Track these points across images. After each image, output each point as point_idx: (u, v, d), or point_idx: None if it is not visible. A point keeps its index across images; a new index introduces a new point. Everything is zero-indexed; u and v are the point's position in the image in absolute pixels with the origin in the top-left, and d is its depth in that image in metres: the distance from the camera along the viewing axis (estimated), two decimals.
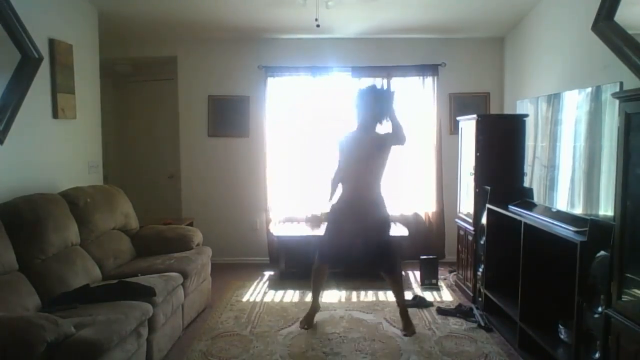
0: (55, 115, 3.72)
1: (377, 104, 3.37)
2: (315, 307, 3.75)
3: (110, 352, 2.34)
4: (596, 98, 2.84)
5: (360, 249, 3.41)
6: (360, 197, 3.43)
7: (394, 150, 3.47)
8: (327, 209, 3.66)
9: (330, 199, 3.62)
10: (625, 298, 2.15)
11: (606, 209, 2.65)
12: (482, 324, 3.62)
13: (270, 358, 3.16)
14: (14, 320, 2.21)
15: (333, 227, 3.54)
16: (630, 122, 2.12)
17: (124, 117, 5.98)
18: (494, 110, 5.36)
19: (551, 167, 3.34)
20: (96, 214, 3.57)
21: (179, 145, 5.52)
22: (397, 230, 5.01)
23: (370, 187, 3.44)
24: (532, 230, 3.07)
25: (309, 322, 3.65)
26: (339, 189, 3.57)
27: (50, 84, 3.67)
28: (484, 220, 3.92)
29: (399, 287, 3.63)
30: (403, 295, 3.65)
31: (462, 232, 4.53)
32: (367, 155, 3.39)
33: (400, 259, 3.64)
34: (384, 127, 3.47)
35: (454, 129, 5.14)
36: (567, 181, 3.14)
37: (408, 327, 3.53)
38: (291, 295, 4.36)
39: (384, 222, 3.53)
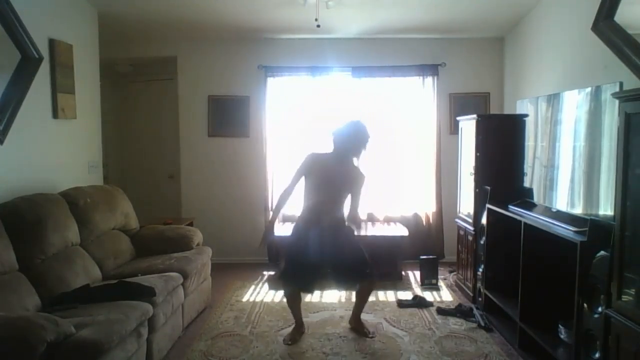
0: (55, 115, 3.72)
1: (355, 141, 3.32)
2: (299, 325, 3.55)
3: (110, 352, 2.34)
4: (596, 98, 2.84)
5: (332, 265, 3.37)
6: (323, 214, 3.32)
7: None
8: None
9: (274, 217, 3.48)
10: (625, 298, 2.15)
11: (606, 209, 2.65)
12: (482, 324, 3.62)
13: (270, 358, 3.16)
14: (14, 320, 2.21)
15: (296, 247, 3.38)
16: (630, 122, 2.12)
17: (124, 117, 5.99)
18: (494, 110, 5.36)
19: (551, 167, 3.33)
20: (96, 214, 3.57)
21: (179, 145, 5.52)
22: (397, 230, 5.03)
23: (335, 208, 3.37)
24: (532, 230, 3.07)
25: (293, 338, 3.44)
26: (304, 204, 3.41)
27: (50, 84, 3.67)
28: (484, 220, 3.92)
29: (367, 296, 3.58)
30: (363, 307, 3.60)
31: (462, 232, 4.53)
32: (338, 182, 3.32)
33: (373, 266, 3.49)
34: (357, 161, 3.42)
35: (454, 129, 5.14)
36: (567, 181, 3.14)
37: (365, 332, 3.51)
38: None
39: (349, 231, 3.42)
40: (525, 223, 3.14)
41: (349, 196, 3.38)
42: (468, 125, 4.32)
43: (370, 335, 3.47)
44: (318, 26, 4.16)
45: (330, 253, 3.28)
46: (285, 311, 3.97)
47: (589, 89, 2.92)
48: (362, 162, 3.42)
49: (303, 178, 3.36)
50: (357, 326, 3.57)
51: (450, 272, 4.96)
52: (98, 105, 4.55)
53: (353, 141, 3.31)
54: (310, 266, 3.29)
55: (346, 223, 3.41)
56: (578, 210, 2.95)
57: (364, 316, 3.83)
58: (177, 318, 3.38)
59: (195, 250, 3.98)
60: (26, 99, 3.30)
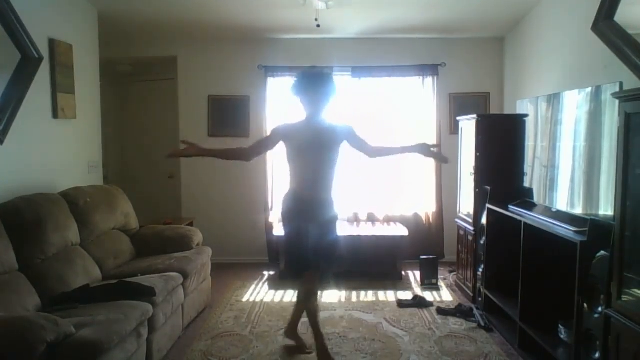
0: (55, 115, 3.72)
1: (316, 90, 2.99)
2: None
3: (110, 352, 2.34)
4: (596, 98, 2.84)
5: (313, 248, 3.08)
6: (312, 195, 3.04)
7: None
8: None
9: (208, 150, 3.27)
10: (625, 298, 2.15)
11: (606, 209, 2.65)
12: (482, 324, 3.62)
13: (270, 358, 3.16)
14: (14, 320, 2.21)
15: (292, 234, 3.13)
16: (630, 122, 2.12)
17: (124, 118, 5.99)
18: (494, 110, 5.36)
19: (551, 167, 3.33)
20: (96, 214, 3.57)
21: (179, 145, 5.51)
22: (397, 230, 5.03)
23: (323, 183, 3.07)
24: (532, 230, 3.07)
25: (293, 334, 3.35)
26: (290, 179, 3.14)
27: (50, 84, 3.67)
28: (484, 220, 3.92)
29: (314, 293, 3.21)
30: (314, 306, 3.21)
31: (462, 232, 4.53)
32: (322, 147, 3.00)
33: (333, 270, 3.26)
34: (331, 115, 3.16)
35: (454, 129, 5.14)
36: (567, 181, 3.14)
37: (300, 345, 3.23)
38: (291, 295, 4.36)
39: (331, 224, 3.16)
40: (525, 223, 3.14)
41: (337, 163, 3.08)
42: (468, 125, 4.32)
43: (307, 351, 3.20)
44: (318, 26, 4.16)
45: (313, 233, 3.03)
46: (285, 311, 3.97)
47: (589, 89, 2.92)
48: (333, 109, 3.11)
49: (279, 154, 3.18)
50: (291, 335, 3.30)
51: (450, 272, 4.96)
52: (98, 105, 4.54)
53: (318, 95, 2.98)
54: (303, 249, 3.06)
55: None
56: (578, 210, 2.95)
57: (363, 316, 3.83)
58: (177, 318, 3.38)
59: (195, 250, 3.98)
60: (26, 99, 3.30)
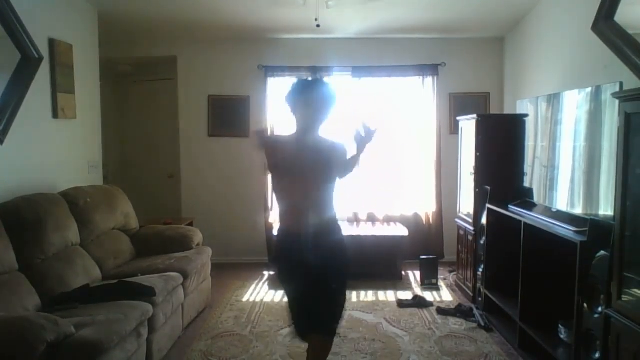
0: (55, 115, 3.72)
1: (314, 101, 2.43)
2: None
3: (110, 352, 2.34)
4: (596, 98, 2.84)
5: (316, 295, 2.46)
6: (309, 225, 2.41)
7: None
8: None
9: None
10: (625, 298, 2.15)
11: (606, 209, 2.65)
12: (482, 324, 3.62)
13: (270, 358, 3.16)
14: (14, 320, 2.21)
15: (288, 283, 2.57)
16: (630, 122, 2.12)
17: (124, 117, 5.99)
18: (494, 110, 5.36)
19: (551, 167, 3.33)
20: (96, 214, 3.57)
21: (179, 145, 5.52)
22: (397, 230, 5.03)
23: (321, 208, 2.46)
24: (532, 230, 3.07)
25: None
26: (279, 214, 2.59)
27: (50, 84, 3.67)
28: (484, 220, 3.92)
29: (321, 356, 2.64)
30: None
31: (462, 232, 4.53)
32: (314, 168, 2.41)
33: (339, 321, 2.67)
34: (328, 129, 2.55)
35: (454, 129, 5.14)
36: (567, 181, 3.14)
37: None
38: None
39: (340, 254, 2.52)
40: (525, 223, 3.15)
41: (335, 180, 2.49)
42: (468, 125, 4.32)
43: None
44: (318, 26, 4.16)
45: (313, 275, 2.40)
46: (285, 311, 3.95)
47: (589, 89, 2.92)
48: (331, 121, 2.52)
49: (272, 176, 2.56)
50: None
51: (450, 272, 4.96)
52: (98, 105, 4.54)
53: (316, 107, 2.43)
54: (309, 301, 2.49)
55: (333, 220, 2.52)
56: (578, 210, 2.95)
57: (363, 315, 3.83)
58: (177, 318, 3.38)
59: (195, 250, 3.98)
60: (26, 99, 3.30)
